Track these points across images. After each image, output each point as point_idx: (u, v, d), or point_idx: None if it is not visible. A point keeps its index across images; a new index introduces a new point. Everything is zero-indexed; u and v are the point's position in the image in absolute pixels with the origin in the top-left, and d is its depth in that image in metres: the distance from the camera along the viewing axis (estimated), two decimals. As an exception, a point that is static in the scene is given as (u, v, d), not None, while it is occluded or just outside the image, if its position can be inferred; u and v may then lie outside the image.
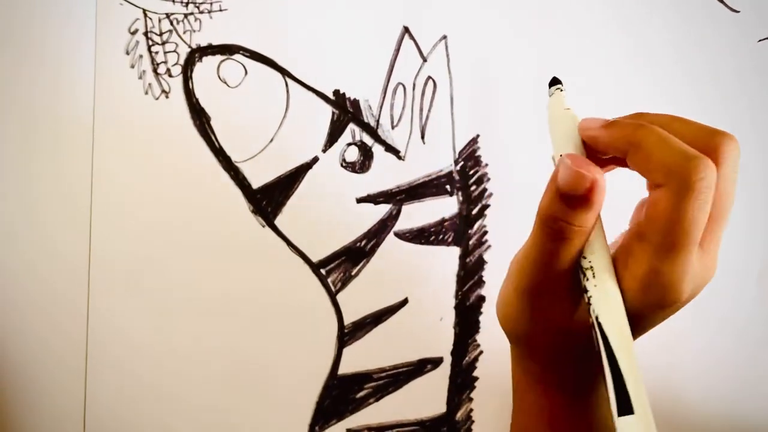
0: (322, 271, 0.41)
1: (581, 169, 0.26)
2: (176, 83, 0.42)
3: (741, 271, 0.40)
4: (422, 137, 0.41)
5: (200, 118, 0.42)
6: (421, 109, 0.41)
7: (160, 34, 0.42)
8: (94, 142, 0.42)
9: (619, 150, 0.27)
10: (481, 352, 0.41)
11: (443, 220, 0.41)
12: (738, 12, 0.40)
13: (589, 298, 0.26)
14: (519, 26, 0.41)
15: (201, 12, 0.42)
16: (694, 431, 0.40)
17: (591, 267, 0.27)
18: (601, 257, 0.27)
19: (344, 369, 0.41)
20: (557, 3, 0.41)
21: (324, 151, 0.41)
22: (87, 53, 0.42)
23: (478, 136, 0.41)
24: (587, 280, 0.26)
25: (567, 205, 0.26)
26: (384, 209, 0.41)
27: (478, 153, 0.41)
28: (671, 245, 0.25)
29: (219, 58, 0.42)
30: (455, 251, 0.41)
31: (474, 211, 0.41)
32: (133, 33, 0.42)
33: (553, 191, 0.27)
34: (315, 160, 0.41)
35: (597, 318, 0.26)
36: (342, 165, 0.41)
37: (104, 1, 0.42)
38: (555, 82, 0.31)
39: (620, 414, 0.25)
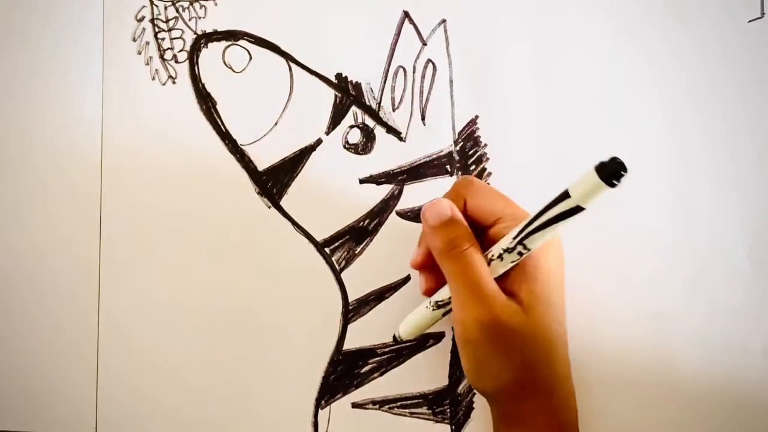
0: (327, 250, 0.42)
1: (434, 202, 0.37)
2: (182, 69, 0.43)
3: (731, 246, 0.41)
4: (422, 119, 0.43)
5: (206, 102, 0.43)
6: (422, 92, 0.42)
7: (167, 21, 0.43)
8: (103, 127, 0.43)
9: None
10: (482, 326, 0.42)
11: (444, 199, 0.42)
12: (729, -6, 0.41)
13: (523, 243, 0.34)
14: (516, 8, 0.42)
15: (206, -1, 0.43)
16: (687, 404, 0.41)
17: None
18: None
19: (349, 345, 0.42)
20: (553, -13, 0.42)
21: (327, 133, 0.43)
22: (95, 41, 0.43)
23: (477, 117, 0.42)
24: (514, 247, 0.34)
25: (446, 226, 0.36)
26: (386, 189, 0.42)
27: (477, 134, 0.42)
28: None
29: (224, 43, 0.43)
30: (456, 229, 0.42)
31: (474, 190, 0.42)
32: (140, 20, 0.43)
33: (434, 231, 0.36)
34: (319, 142, 0.43)
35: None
36: (345, 147, 0.43)
37: (111, -11, 0.43)
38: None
39: (575, 210, 0.30)
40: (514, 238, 0.34)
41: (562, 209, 0.31)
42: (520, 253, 0.34)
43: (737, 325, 0.41)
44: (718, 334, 0.41)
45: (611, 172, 0.28)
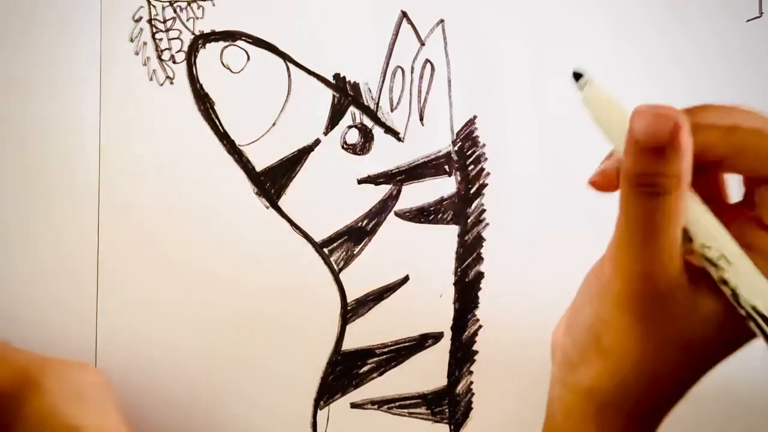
0: (325, 250, 0.42)
1: (659, 111, 0.23)
2: (180, 69, 0.43)
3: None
4: (421, 119, 0.43)
5: (204, 103, 0.43)
6: (420, 92, 0.42)
7: (164, 22, 0.43)
8: (101, 128, 0.43)
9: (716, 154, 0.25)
10: (480, 326, 0.42)
11: (442, 200, 0.42)
12: (727, -7, 0.41)
13: (734, 290, 0.24)
14: (515, 8, 0.42)
15: (204, -1, 0.43)
16: (683, 406, 0.41)
17: (722, 255, 0.24)
18: (725, 239, 0.24)
19: (348, 345, 0.42)
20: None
21: (325, 133, 0.43)
22: (92, 41, 0.43)
23: (475, 117, 0.42)
24: (722, 269, 0.24)
25: (654, 155, 0.23)
26: (384, 189, 0.43)
27: (476, 134, 0.42)
28: None
29: (222, 44, 0.43)
30: (454, 229, 0.42)
31: (472, 191, 0.42)
32: (137, 21, 0.43)
33: (635, 149, 0.24)
34: (317, 142, 0.43)
35: (754, 308, 0.24)
36: (343, 147, 0.43)
37: (109, -11, 0.43)
38: (579, 75, 0.27)
39: None
40: None
41: None
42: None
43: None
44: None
45: None
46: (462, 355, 0.42)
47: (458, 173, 0.42)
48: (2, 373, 0.35)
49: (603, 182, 0.28)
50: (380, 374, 0.42)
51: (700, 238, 0.24)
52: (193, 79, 0.43)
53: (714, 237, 0.24)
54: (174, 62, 0.43)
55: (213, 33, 0.43)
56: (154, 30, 0.43)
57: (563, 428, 0.28)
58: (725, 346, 0.26)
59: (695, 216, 0.25)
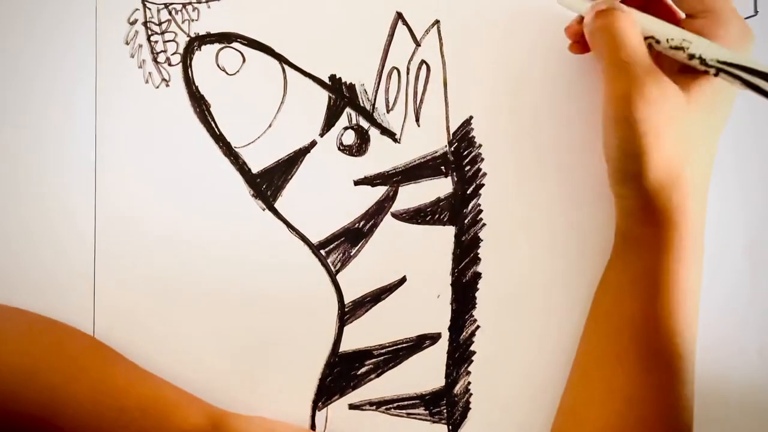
0: (322, 252, 0.42)
1: None
2: (176, 72, 0.43)
3: (729, 244, 0.41)
4: (417, 120, 0.42)
5: (200, 105, 0.43)
6: (416, 93, 0.42)
7: (159, 24, 0.43)
8: (97, 131, 0.43)
9: None
10: (478, 327, 0.42)
11: (439, 200, 0.42)
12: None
13: (700, 56, 0.33)
14: (510, 8, 0.42)
15: (199, 2, 0.43)
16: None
17: (683, 39, 0.34)
18: (680, 30, 0.34)
19: (345, 346, 0.42)
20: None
21: (321, 135, 0.43)
22: (88, 44, 0.43)
23: (471, 117, 0.42)
24: (687, 47, 0.33)
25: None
26: (381, 191, 0.42)
27: (472, 134, 0.42)
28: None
29: (217, 46, 0.43)
30: (451, 230, 0.42)
31: (468, 191, 0.42)
32: (133, 23, 0.43)
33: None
34: (313, 144, 0.43)
35: (719, 61, 0.32)
36: (339, 148, 0.43)
37: (104, -8, 0.43)
38: None
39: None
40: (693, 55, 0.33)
41: (764, 87, 0.31)
42: (697, 64, 0.33)
43: (733, 323, 0.41)
44: (714, 332, 0.41)
45: None
46: (460, 356, 0.42)
47: (455, 174, 0.42)
48: (198, 419, 0.39)
49: (573, 36, 0.39)
50: (378, 375, 0.42)
51: (664, 36, 0.34)
52: (189, 82, 0.43)
53: (673, 31, 0.34)
54: (170, 65, 0.43)
55: (208, 35, 0.43)
56: (150, 32, 0.43)
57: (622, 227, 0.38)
58: (702, 109, 0.35)
59: (656, 27, 0.35)
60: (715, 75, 0.33)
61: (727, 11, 0.35)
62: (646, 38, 0.35)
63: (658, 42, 0.34)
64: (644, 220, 0.36)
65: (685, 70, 0.35)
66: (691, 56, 0.33)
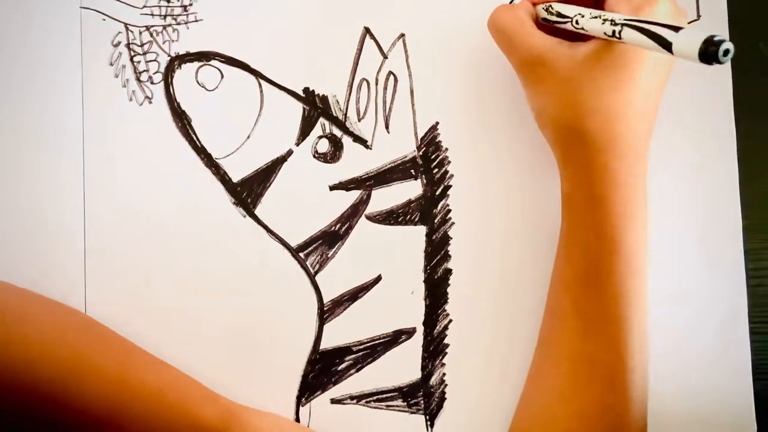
0: (301, 254, 0.45)
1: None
2: (158, 89, 0.45)
3: (679, 237, 0.44)
4: (387, 127, 0.45)
5: (182, 120, 0.45)
6: (384, 102, 0.45)
7: (141, 45, 0.46)
8: (84, 148, 0.45)
9: None
10: (451, 320, 0.44)
11: (410, 202, 0.45)
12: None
13: (612, 20, 0.35)
14: (469, 20, 0.45)
15: (178, 23, 0.45)
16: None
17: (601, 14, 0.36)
18: (580, 8, 0.37)
19: (326, 344, 0.44)
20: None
21: (297, 144, 0.45)
22: (74, 67, 0.45)
23: (437, 123, 0.45)
24: (602, 16, 0.35)
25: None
26: (355, 195, 0.45)
27: (438, 139, 0.45)
28: None
29: (197, 64, 0.45)
30: (422, 230, 0.45)
31: (437, 192, 0.45)
32: (116, 45, 0.45)
33: None
34: (289, 153, 0.45)
35: (631, 19, 0.34)
36: (314, 156, 0.45)
37: (88, 17, 0.45)
38: None
39: (667, 47, 0.31)
40: (600, 16, 0.35)
41: (659, 32, 0.32)
42: (611, 32, 0.35)
43: (688, 308, 0.44)
44: (669, 318, 0.43)
45: (711, 55, 0.29)
46: (434, 349, 0.44)
47: (424, 176, 0.45)
48: (212, 411, 0.40)
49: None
50: (358, 370, 0.44)
51: (570, 14, 0.37)
52: (171, 98, 0.45)
53: (573, 10, 0.38)
54: (152, 83, 0.45)
55: (188, 54, 0.45)
56: (132, 53, 0.45)
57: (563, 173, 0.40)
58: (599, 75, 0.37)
59: (579, 9, 0.37)
60: (619, 37, 0.34)
61: None
62: (572, 18, 0.37)
63: (583, 16, 0.37)
64: (574, 177, 0.39)
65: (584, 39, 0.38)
66: (605, 20, 0.35)
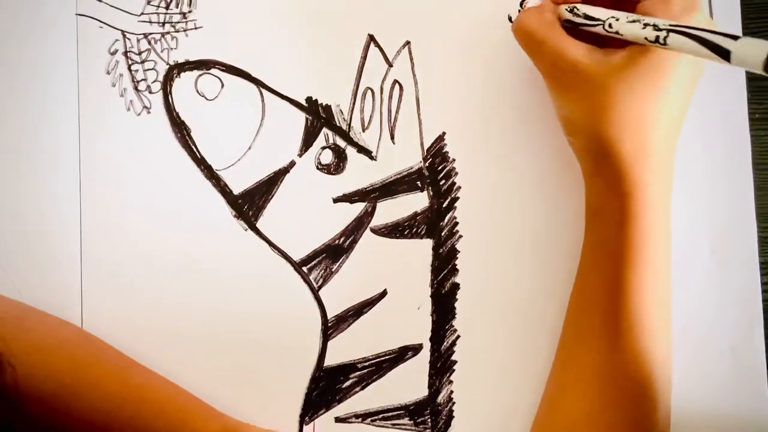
0: (304, 269, 0.43)
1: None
2: (156, 99, 0.44)
3: (693, 248, 0.43)
4: (392, 138, 0.44)
5: (181, 130, 0.44)
6: (390, 112, 0.44)
7: (139, 53, 0.44)
8: (80, 159, 0.44)
9: None
10: (459, 336, 0.43)
11: (416, 215, 0.44)
12: None
13: (655, 24, 0.33)
14: (475, 27, 0.44)
15: (177, 31, 0.44)
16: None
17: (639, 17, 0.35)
18: (614, 12, 0.36)
19: (330, 361, 0.43)
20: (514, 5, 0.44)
21: (300, 155, 0.44)
22: (70, 75, 0.44)
23: (444, 133, 0.44)
24: (642, 20, 0.34)
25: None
26: (359, 207, 0.44)
27: (445, 149, 0.44)
28: None
29: (196, 73, 0.44)
30: (428, 243, 0.44)
31: (444, 204, 0.44)
32: (113, 53, 0.44)
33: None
34: (292, 164, 0.44)
35: (677, 24, 0.33)
36: (318, 167, 0.44)
37: (84, 25, 0.44)
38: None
39: (723, 55, 0.30)
40: (643, 22, 0.34)
41: (717, 41, 0.31)
42: (654, 38, 0.33)
43: (704, 322, 0.42)
44: (685, 332, 0.42)
45: None
46: (441, 366, 0.43)
47: (430, 188, 0.44)
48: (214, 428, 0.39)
49: None
50: (363, 388, 0.43)
51: (602, 17, 0.36)
52: (170, 108, 0.44)
53: (605, 13, 0.36)
54: (150, 92, 0.44)
55: (187, 62, 0.44)
56: (130, 62, 0.44)
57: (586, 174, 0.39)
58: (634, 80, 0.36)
59: (612, 12, 0.36)
60: (663, 43, 0.33)
61: None
62: (604, 21, 0.36)
63: (617, 20, 0.35)
64: (604, 190, 0.37)
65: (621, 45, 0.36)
66: (646, 25, 0.34)
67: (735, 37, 0.30)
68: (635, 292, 0.36)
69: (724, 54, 0.30)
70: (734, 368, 0.42)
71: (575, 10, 0.38)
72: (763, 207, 0.43)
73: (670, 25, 0.33)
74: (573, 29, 0.38)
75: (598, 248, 0.38)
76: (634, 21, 0.35)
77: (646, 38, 0.34)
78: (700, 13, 0.35)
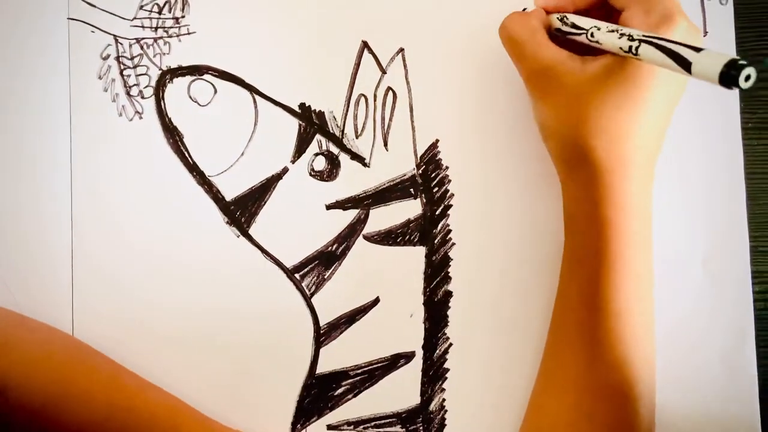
0: (297, 275, 0.43)
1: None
2: (149, 104, 0.44)
3: (686, 257, 0.43)
4: (385, 145, 0.44)
5: (173, 136, 0.44)
6: (383, 118, 0.44)
7: (131, 58, 0.44)
8: (72, 164, 0.43)
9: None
10: (451, 344, 0.43)
11: (409, 222, 0.44)
12: None
13: (629, 35, 0.34)
14: (469, 34, 0.44)
15: (170, 36, 0.44)
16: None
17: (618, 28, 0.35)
18: (596, 21, 0.36)
19: (322, 368, 0.43)
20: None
21: (293, 161, 0.44)
22: (61, 79, 0.44)
23: (437, 140, 0.44)
24: (620, 30, 0.34)
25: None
26: (352, 214, 0.44)
27: (439, 157, 0.44)
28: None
29: (189, 78, 0.44)
30: (421, 250, 0.43)
31: (437, 212, 0.44)
32: (105, 58, 0.44)
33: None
34: (285, 170, 0.44)
35: (650, 35, 0.33)
36: (311, 174, 0.44)
37: (76, 29, 0.44)
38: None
39: (685, 67, 0.30)
40: (619, 32, 0.34)
41: (681, 52, 0.31)
42: (628, 48, 0.34)
43: (695, 332, 0.43)
44: (677, 343, 0.42)
45: (732, 79, 0.29)
46: (434, 373, 0.43)
47: (423, 196, 0.44)
48: None
49: None
50: (355, 395, 0.43)
51: (586, 26, 0.36)
52: (162, 113, 0.44)
53: (589, 23, 0.36)
54: (142, 97, 0.44)
55: (180, 68, 0.44)
56: (122, 67, 0.44)
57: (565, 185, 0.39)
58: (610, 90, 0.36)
59: (593, 22, 0.36)
60: (636, 53, 0.33)
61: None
62: (587, 30, 0.36)
63: (599, 29, 0.36)
64: (578, 197, 0.38)
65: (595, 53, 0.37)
66: (622, 35, 0.34)
67: (698, 50, 0.30)
68: (611, 299, 0.36)
69: (687, 66, 0.30)
70: (725, 376, 0.42)
71: (565, 19, 0.38)
72: (754, 216, 0.43)
73: (644, 35, 0.33)
74: (563, 39, 0.38)
75: (574, 254, 0.38)
76: (612, 30, 0.35)
77: (621, 48, 0.34)
78: (682, 23, 0.34)
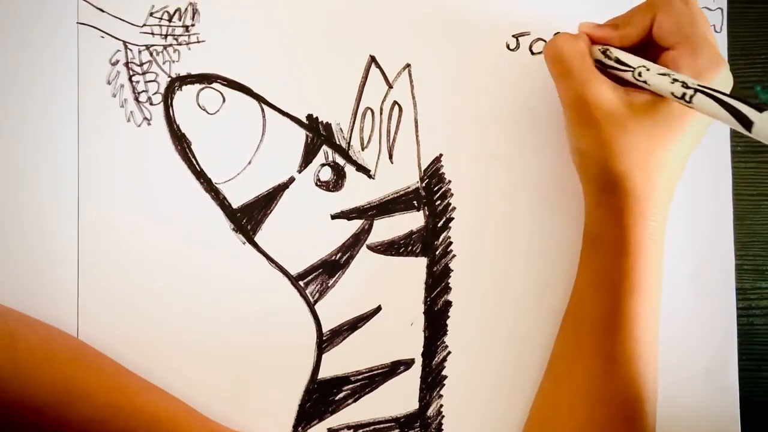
0: (301, 283, 0.44)
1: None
2: (157, 111, 0.44)
3: (676, 269, 0.45)
4: (390, 157, 0.45)
5: (181, 143, 0.44)
6: (389, 132, 0.45)
7: (141, 65, 0.44)
8: (80, 169, 0.44)
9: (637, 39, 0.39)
10: (450, 352, 0.45)
11: (411, 233, 0.45)
12: None
13: (683, 82, 0.34)
14: (475, 53, 0.45)
15: (180, 44, 0.44)
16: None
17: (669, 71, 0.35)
18: (643, 60, 0.37)
19: (324, 373, 0.44)
20: (509, 31, 0.45)
21: (299, 171, 0.45)
22: (70, 84, 0.44)
23: (441, 155, 0.45)
24: (672, 74, 0.35)
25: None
26: (357, 224, 0.45)
27: (442, 171, 0.45)
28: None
29: (198, 86, 0.44)
30: (423, 261, 0.45)
31: (439, 224, 0.45)
32: (114, 64, 0.44)
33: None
34: (291, 180, 0.45)
35: (705, 86, 0.33)
36: (317, 184, 0.45)
37: (85, 34, 0.44)
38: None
39: (744, 124, 0.31)
40: (671, 76, 0.34)
41: (742, 110, 0.31)
42: (681, 94, 0.34)
43: (681, 346, 0.45)
44: (663, 355, 0.44)
45: None
46: (432, 380, 0.44)
47: (426, 208, 0.45)
48: None
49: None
50: (355, 400, 0.44)
51: (633, 65, 0.37)
52: (170, 120, 0.44)
53: (637, 61, 0.37)
54: (151, 104, 0.44)
55: (189, 76, 0.44)
56: (131, 73, 0.44)
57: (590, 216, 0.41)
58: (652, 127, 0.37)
59: (628, 59, 0.37)
60: (689, 101, 0.34)
61: (701, 41, 0.37)
62: (635, 68, 0.37)
63: (648, 70, 0.36)
64: (606, 221, 0.39)
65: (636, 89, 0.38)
66: (675, 80, 0.34)
67: (761, 109, 0.31)
68: (632, 319, 0.38)
69: (747, 123, 0.31)
70: (708, 390, 0.44)
71: (608, 52, 0.38)
72: (740, 236, 0.45)
73: (699, 85, 0.33)
74: (600, 69, 0.38)
75: (596, 275, 0.40)
76: (664, 74, 0.35)
77: (672, 93, 0.34)
78: (726, 70, 0.36)
